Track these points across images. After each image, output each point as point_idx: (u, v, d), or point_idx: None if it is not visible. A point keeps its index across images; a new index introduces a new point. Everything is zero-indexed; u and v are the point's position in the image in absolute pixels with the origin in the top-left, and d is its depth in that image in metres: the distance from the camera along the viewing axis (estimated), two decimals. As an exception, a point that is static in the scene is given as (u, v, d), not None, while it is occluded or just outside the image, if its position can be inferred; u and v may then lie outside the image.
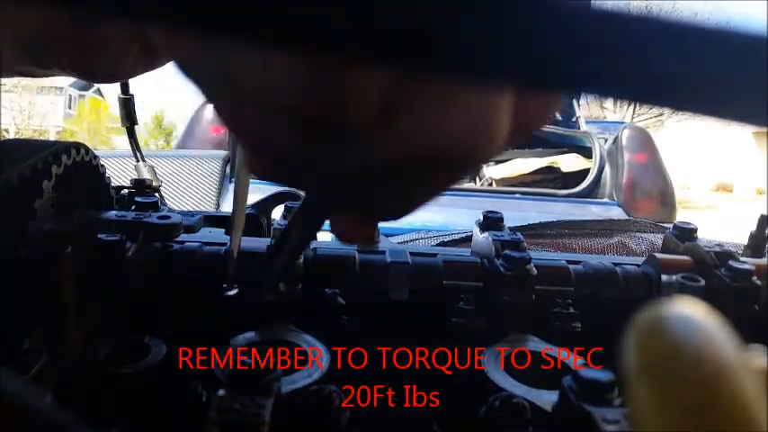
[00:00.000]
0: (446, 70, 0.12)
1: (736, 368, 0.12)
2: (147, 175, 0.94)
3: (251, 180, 0.35)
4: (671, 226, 0.49)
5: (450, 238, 0.83)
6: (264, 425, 0.24)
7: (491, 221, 0.46)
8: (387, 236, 0.52)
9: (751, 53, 0.10)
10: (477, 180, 2.43)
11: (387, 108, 0.15)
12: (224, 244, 0.43)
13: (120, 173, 1.49)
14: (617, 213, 1.91)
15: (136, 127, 0.97)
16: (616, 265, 0.45)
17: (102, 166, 0.42)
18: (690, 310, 0.13)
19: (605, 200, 2.06)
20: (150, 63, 0.28)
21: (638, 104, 0.12)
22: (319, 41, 0.11)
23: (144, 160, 0.96)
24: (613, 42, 0.11)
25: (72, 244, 0.32)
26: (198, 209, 1.70)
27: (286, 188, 0.64)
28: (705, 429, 0.12)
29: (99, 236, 0.37)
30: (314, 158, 0.17)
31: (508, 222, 0.47)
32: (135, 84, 0.94)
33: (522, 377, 0.33)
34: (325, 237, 0.41)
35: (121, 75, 0.28)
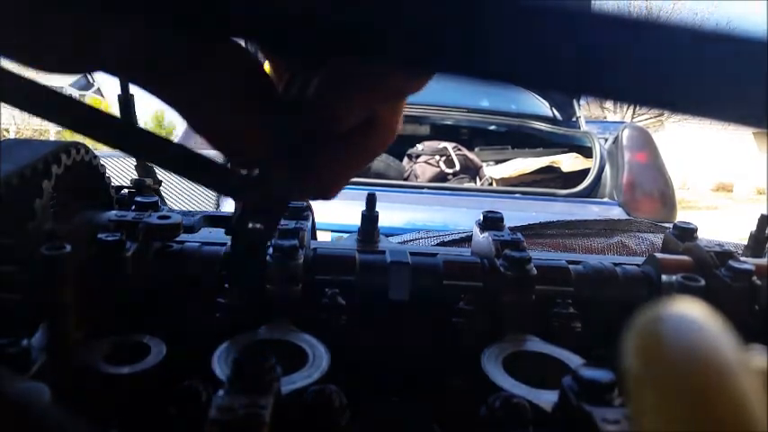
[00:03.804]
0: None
1: (736, 368, 0.12)
2: (146, 175, 0.94)
3: None
4: (671, 226, 0.49)
5: (450, 238, 0.83)
6: (264, 425, 0.24)
7: (491, 221, 0.46)
8: (387, 236, 0.52)
9: (750, 54, 0.10)
10: (478, 180, 2.43)
11: None
12: (224, 244, 0.43)
13: (120, 173, 1.49)
14: (617, 213, 1.91)
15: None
16: (616, 265, 0.45)
17: (102, 166, 0.42)
18: (690, 310, 0.13)
19: (605, 199, 2.06)
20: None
21: (638, 106, 0.12)
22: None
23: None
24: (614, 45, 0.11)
25: (72, 243, 0.32)
26: (198, 209, 1.70)
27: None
28: (705, 430, 0.12)
29: (99, 236, 0.37)
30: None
31: (508, 222, 0.47)
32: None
33: (522, 377, 0.33)
34: (325, 237, 0.41)
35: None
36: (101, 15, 0.18)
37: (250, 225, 0.28)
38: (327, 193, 0.26)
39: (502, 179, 2.33)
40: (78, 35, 0.18)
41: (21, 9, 0.17)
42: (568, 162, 2.29)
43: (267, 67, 0.24)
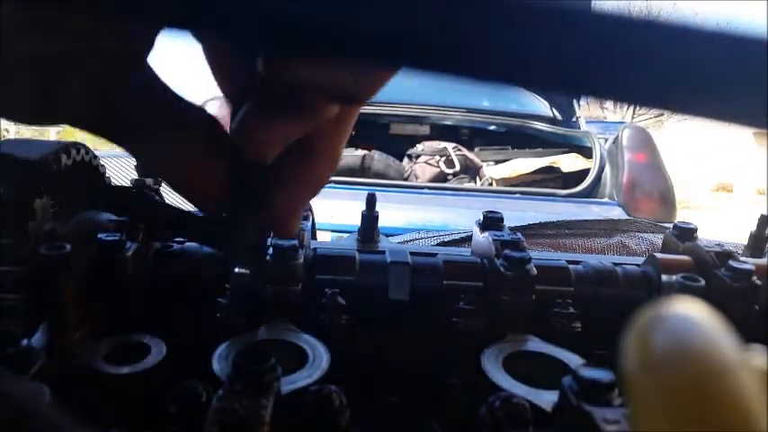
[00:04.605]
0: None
1: (736, 368, 0.12)
2: (147, 175, 0.94)
3: None
4: (671, 226, 0.49)
5: (450, 238, 0.83)
6: (264, 425, 0.24)
7: (491, 221, 0.46)
8: (387, 236, 0.52)
9: (750, 54, 0.10)
10: (478, 180, 2.43)
11: None
12: (224, 244, 0.43)
13: (120, 173, 1.49)
14: (617, 213, 1.91)
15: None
16: (616, 265, 0.45)
17: (103, 166, 0.42)
18: (690, 310, 0.13)
19: (605, 200, 2.06)
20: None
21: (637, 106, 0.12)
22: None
23: (144, 160, 0.95)
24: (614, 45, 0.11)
25: (72, 243, 0.32)
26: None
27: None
28: (705, 429, 0.12)
29: (99, 236, 0.37)
30: None
31: (508, 222, 0.47)
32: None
33: (522, 377, 0.33)
34: (325, 237, 0.41)
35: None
36: (58, 73, 0.19)
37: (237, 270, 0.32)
38: (281, 231, 0.27)
39: (502, 179, 2.33)
40: (39, 92, 0.20)
41: None
42: (568, 162, 2.29)
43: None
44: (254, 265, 0.34)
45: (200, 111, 0.24)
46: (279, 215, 0.26)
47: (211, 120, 0.24)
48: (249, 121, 0.23)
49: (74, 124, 0.22)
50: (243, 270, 0.32)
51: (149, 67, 0.22)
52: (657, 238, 0.88)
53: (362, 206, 0.50)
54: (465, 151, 2.47)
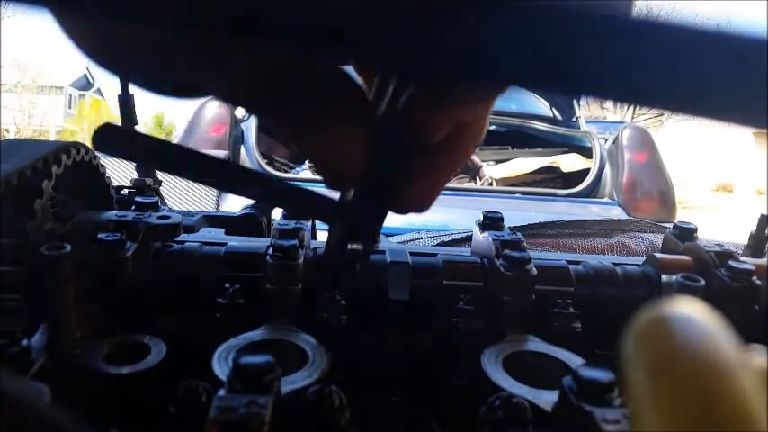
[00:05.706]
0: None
1: (736, 368, 0.12)
2: (147, 175, 0.94)
3: None
4: (671, 226, 0.49)
5: (450, 238, 0.83)
6: (264, 425, 0.24)
7: (491, 221, 0.46)
8: (387, 236, 0.52)
9: (750, 55, 0.10)
10: (477, 180, 2.43)
11: None
12: (224, 244, 0.43)
13: (120, 173, 1.49)
14: (617, 213, 1.91)
15: (136, 127, 0.96)
16: (616, 265, 0.45)
17: (102, 166, 0.42)
18: (690, 310, 0.13)
19: (605, 200, 2.06)
20: None
21: (637, 106, 0.12)
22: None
23: (144, 160, 0.95)
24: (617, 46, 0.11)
25: (72, 244, 0.32)
26: (198, 209, 1.69)
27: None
28: (705, 429, 0.12)
29: (99, 236, 0.37)
30: None
31: (508, 222, 0.47)
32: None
33: (522, 377, 0.33)
34: (325, 237, 0.41)
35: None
36: (217, 46, 0.18)
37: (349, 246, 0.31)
38: (423, 206, 0.27)
39: (502, 179, 2.33)
40: (194, 64, 0.19)
41: (146, 38, 0.18)
42: (568, 162, 2.29)
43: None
44: (370, 243, 0.32)
45: (347, 78, 0.22)
46: (423, 188, 0.26)
47: (358, 87, 0.23)
48: (419, 102, 0.22)
49: (221, 97, 0.22)
50: (357, 246, 0.32)
51: None
52: (657, 238, 0.88)
53: (362, 206, 0.49)
54: (465, 151, 2.46)
